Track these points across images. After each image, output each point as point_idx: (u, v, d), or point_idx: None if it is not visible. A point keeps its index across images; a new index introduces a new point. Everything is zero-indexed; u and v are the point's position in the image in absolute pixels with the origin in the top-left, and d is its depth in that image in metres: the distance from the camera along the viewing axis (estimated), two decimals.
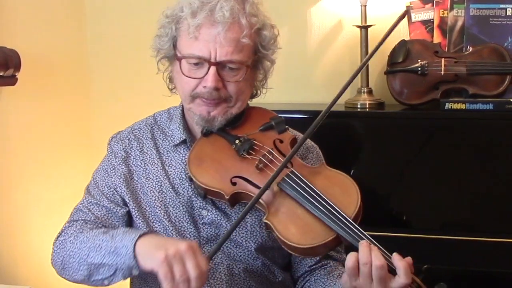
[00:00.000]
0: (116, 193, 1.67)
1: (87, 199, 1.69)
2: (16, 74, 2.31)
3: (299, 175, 1.52)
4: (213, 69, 1.55)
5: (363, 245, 1.40)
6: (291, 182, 1.51)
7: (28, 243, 2.49)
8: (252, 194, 1.51)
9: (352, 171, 2.18)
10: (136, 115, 1.84)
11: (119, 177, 1.68)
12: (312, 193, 1.48)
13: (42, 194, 2.56)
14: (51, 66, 2.61)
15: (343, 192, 1.50)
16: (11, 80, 2.31)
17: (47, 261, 2.49)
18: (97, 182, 1.70)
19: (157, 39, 1.66)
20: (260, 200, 1.50)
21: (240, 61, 1.57)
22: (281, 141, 1.61)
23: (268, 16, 1.64)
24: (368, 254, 1.38)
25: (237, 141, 1.60)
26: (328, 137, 2.18)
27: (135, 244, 1.47)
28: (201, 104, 1.60)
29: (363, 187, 1.52)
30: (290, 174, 1.52)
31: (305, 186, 1.49)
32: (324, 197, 1.47)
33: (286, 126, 1.65)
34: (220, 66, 1.56)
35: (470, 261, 2.11)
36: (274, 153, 1.57)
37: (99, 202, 1.67)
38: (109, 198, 1.67)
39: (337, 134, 2.28)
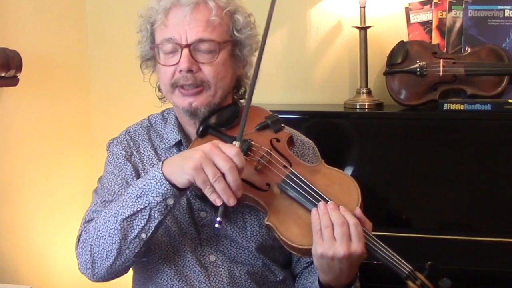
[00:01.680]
0: (127, 185, 1.63)
1: (96, 201, 1.67)
2: (18, 75, 2.31)
3: (298, 175, 1.51)
4: (185, 51, 1.56)
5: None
6: (291, 183, 1.50)
7: (29, 243, 2.50)
8: (251, 195, 1.51)
9: (352, 171, 2.19)
10: (137, 116, 1.84)
11: (129, 172, 1.66)
12: (313, 193, 1.48)
13: (43, 194, 2.56)
14: (53, 67, 2.61)
15: (343, 191, 1.50)
16: (13, 81, 2.31)
17: (48, 260, 2.49)
18: (104, 184, 1.68)
19: (139, 45, 1.67)
20: (261, 201, 1.50)
21: (211, 39, 1.56)
22: (278, 140, 1.61)
23: (242, 5, 1.64)
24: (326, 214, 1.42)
25: (234, 142, 1.57)
26: (327, 138, 2.20)
27: (161, 170, 1.47)
28: (181, 95, 1.59)
29: (362, 187, 1.52)
30: (289, 174, 1.52)
31: (305, 186, 1.49)
32: (324, 196, 1.47)
33: (282, 125, 1.65)
34: (193, 48, 1.56)
35: (469, 261, 2.11)
36: (272, 153, 1.57)
37: (108, 199, 1.63)
38: (119, 193, 1.62)
39: (336, 134, 2.29)
